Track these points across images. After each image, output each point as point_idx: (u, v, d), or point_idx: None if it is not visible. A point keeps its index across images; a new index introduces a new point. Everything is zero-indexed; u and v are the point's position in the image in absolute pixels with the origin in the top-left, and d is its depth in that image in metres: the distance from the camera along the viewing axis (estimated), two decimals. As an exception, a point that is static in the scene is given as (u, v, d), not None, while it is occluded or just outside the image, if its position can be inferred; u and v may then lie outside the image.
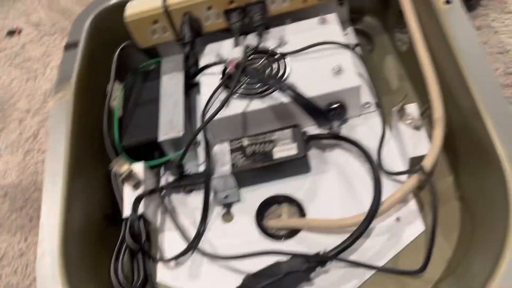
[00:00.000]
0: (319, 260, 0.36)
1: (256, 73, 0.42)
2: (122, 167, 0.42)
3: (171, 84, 0.49)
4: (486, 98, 0.36)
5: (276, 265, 0.37)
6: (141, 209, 0.42)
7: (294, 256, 0.37)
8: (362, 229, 0.37)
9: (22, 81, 0.71)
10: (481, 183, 0.37)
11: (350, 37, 0.53)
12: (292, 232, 0.42)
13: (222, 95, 0.46)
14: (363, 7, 0.56)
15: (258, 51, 0.48)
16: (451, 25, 0.41)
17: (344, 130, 0.46)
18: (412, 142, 0.40)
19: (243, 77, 0.46)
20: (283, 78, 0.46)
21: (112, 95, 0.49)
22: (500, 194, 0.33)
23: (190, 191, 0.47)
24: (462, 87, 0.38)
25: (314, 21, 0.50)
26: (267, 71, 0.46)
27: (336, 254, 0.36)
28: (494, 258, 0.31)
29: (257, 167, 0.43)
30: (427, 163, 0.37)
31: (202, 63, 0.50)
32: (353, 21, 0.56)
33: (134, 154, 0.46)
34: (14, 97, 0.69)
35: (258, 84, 0.45)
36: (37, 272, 0.37)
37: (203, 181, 0.43)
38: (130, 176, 0.43)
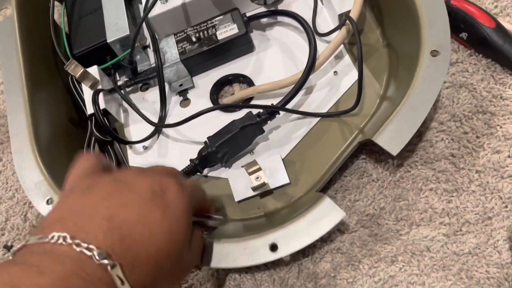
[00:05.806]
0: (269, 112, 0.40)
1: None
2: (76, 69, 0.45)
3: (110, -8, 0.51)
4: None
5: (232, 123, 0.41)
6: (102, 104, 0.45)
7: (248, 113, 0.41)
8: (302, 81, 0.41)
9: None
10: (402, 27, 0.42)
11: None
12: (246, 102, 0.46)
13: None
14: None
15: None
16: None
17: (281, 7, 0.49)
18: (338, 1, 0.44)
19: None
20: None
21: (54, 11, 0.51)
22: (415, 32, 0.38)
23: (146, 88, 0.50)
24: None
25: None
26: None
27: (283, 105, 0.41)
28: (411, 76, 0.36)
29: (204, 50, 0.46)
30: (352, 13, 0.41)
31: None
32: None
33: (87, 62, 0.48)
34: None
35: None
36: (15, 163, 0.40)
37: (157, 71, 0.46)
38: (85, 76, 0.45)
